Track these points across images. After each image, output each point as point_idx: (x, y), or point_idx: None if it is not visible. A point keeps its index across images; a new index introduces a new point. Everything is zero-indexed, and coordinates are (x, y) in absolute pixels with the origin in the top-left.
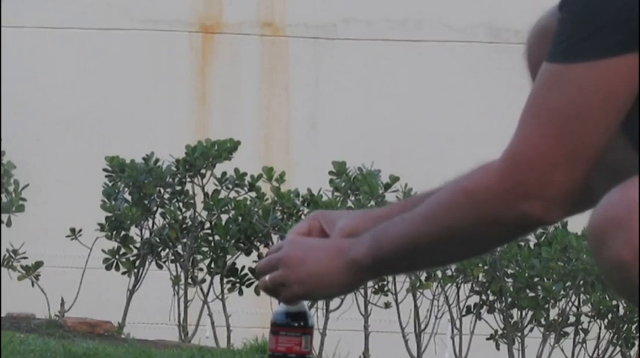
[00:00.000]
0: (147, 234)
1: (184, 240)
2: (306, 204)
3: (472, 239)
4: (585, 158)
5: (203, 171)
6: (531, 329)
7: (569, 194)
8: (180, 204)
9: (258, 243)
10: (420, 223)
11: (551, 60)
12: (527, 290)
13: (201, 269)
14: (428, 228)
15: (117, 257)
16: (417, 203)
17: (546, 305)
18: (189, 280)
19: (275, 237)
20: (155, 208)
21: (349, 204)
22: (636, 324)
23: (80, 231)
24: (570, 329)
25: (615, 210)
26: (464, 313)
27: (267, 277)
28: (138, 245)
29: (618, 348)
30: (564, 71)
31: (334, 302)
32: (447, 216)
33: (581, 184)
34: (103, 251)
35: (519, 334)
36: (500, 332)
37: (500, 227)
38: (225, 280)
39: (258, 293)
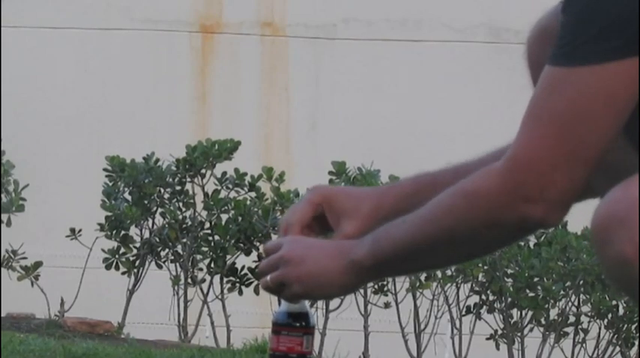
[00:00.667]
0: (147, 234)
1: (184, 240)
2: None
3: (473, 241)
4: (586, 160)
5: (203, 171)
6: (531, 329)
7: (569, 195)
8: (180, 204)
9: (258, 243)
10: (420, 225)
11: (552, 63)
12: (527, 290)
13: (201, 269)
14: (428, 230)
15: (117, 257)
16: (425, 186)
17: (546, 305)
18: (189, 280)
19: (275, 237)
20: (155, 208)
21: None
22: (636, 324)
23: (80, 230)
24: (570, 329)
25: (617, 208)
26: (464, 313)
27: (268, 277)
28: (138, 245)
29: (618, 348)
30: (566, 74)
31: (334, 302)
32: (448, 218)
33: (582, 186)
34: (103, 251)
35: (519, 334)
36: (500, 332)
37: (500, 229)
38: (225, 280)
39: (258, 293)
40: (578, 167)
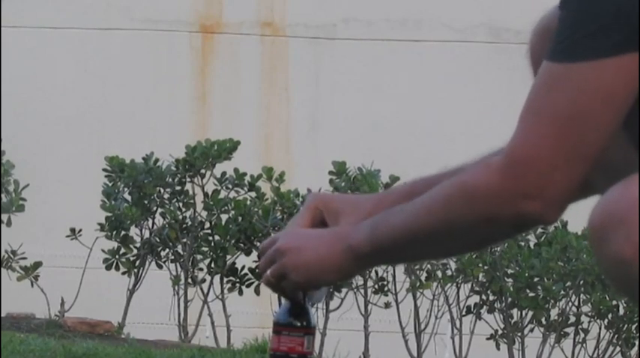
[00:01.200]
0: (147, 234)
1: (184, 240)
2: None
3: (470, 234)
4: (585, 158)
5: (203, 171)
6: (531, 329)
7: (567, 194)
8: (180, 204)
9: (258, 243)
10: (418, 215)
11: (551, 59)
12: (527, 290)
13: (201, 269)
14: (426, 221)
15: (117, 257)
16: (421, 190)
17: (546, 305)
18: (189, 280)
19: None
20: (155, 208)
21: None
22: (636, 324)
23: (80, 231)
24: (570, 329)
25: (616, 207)
26: (464, 313)
27: (267, 271)
28: (138, 245)
29: (618, 348)
30: (564, 70)
31: (334, 303)
32: (446, 210)
33: (580, 183)
34: (103, 251)
35: (519, 334)
36: (500, 332)
37: (498, 224)
38: (225, 280)
39: (258, 293)
40: (578, 165)
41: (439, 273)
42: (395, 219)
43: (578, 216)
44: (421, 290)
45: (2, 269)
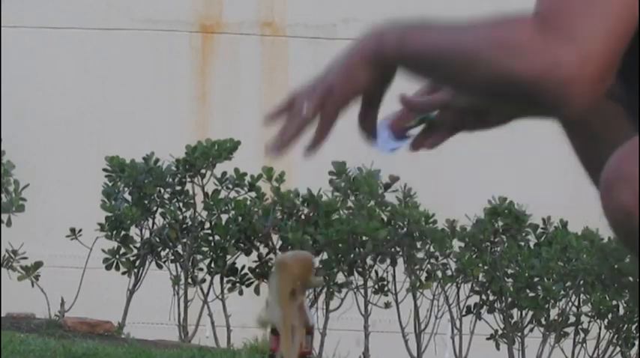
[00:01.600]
0: (147, 234)
1: (184, 240)
2: (306, 204)
3: (495, 83)
4: (617, 34)
5: (203, 171)
6: (531, 329)
7: (605, 70)
8: (181, 204)
9: (258, 243)
10: (451, 46)
11: None
12: (527, 290)
13: (201, 269)
14: (456, 56)
15: (117, 257)
16: None
17: (546, 305)
18: (189, 280)
19: (275, 237)
20: (155, 208)
21: (349, 204)
22: (636, 324)
23: (80, 231)
24: (570, 329)
25: (620, 164)
26: (464, 313)
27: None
28: (138, 245)
29: (618, 348)
30: None
31: (334, 302)
32: (480, 54)
33: (615, 65)
34: (103, 251)
35: (519, 334)
36: (500, 332)
37: (527, 84)
38: (225, 280)
39: (258, 293)
40: (611, 41)
41: (439, 273)
42: (426, 39)
43: (578, 216)
44: (421, 290)
45: (2, 269)
